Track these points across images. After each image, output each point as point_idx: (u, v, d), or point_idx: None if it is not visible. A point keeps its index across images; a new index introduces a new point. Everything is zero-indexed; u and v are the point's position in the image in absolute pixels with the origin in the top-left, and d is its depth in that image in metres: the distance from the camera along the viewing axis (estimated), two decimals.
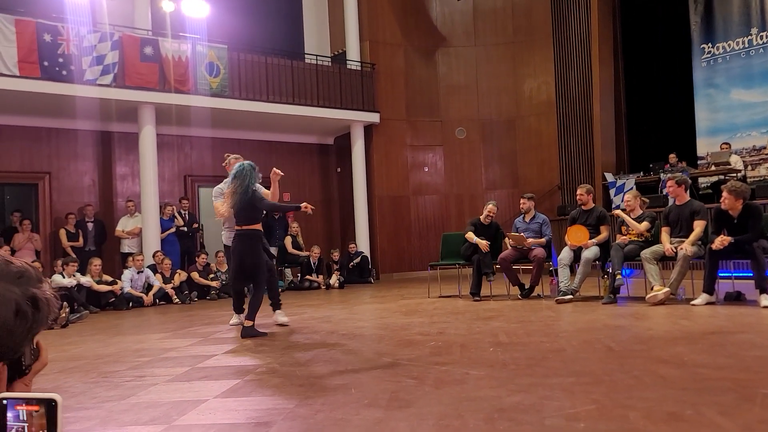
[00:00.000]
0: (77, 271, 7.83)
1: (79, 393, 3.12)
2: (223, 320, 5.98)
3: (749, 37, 10.91)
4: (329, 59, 12.51)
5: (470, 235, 7.13)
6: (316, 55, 12.01)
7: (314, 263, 10.77)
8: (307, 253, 10.83)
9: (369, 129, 12.41)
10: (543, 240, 6.92)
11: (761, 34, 10.75)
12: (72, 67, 8.68)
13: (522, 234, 6.93)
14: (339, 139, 13.09)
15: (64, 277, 7.49)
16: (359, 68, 12.27)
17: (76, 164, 10.31)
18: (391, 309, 6.49)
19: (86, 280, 7.90)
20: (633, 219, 6.33)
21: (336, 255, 11.33)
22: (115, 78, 9.14)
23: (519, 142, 13.07)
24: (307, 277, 10.64)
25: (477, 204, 12.70)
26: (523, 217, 7.20)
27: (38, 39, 8.44)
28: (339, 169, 13.12)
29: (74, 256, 8.59)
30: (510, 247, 7.03)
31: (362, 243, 11.96)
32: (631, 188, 9.83)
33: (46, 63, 8.52)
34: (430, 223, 12.96)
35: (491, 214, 7.28)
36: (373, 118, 12.31)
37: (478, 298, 6.85)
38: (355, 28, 12.45)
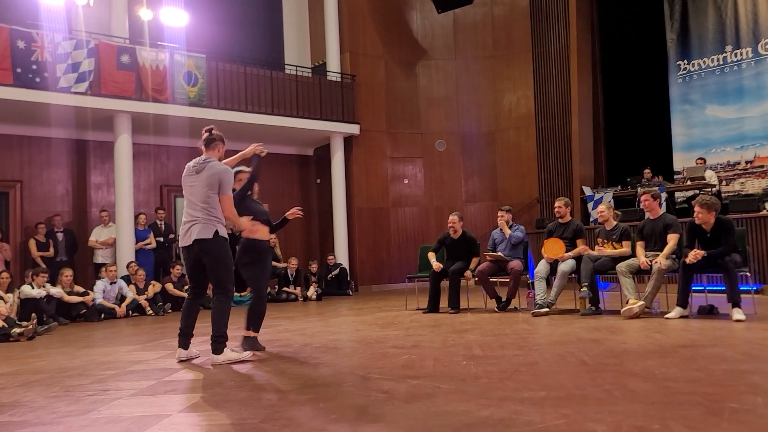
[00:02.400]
0: (47, 281, 7.66)
1: (39, 408, 3.02)
2: (196, 332, 5.79)
3: (724, 55, 11.14)
4: (309, 70, 12.49)
5: (431, 254, 7.25)
6: (296, 66, 11.99)
7: (292, 275, 10.67)
8: (284, 265, 10.73)
9: (349, 140, 12.39)
10: (514, 234, 6.99)
11: (735, 51, 10.98)
12: (46, 74, 8.57)
13: (500, 253, 6.97)
14: (319, 150, 13.05)
15: (33, 288, 7.31)
16: (339, 79, 12.27)
17: (49, 173, 10.13)
18: (367, 321, 6.43)
19: (56, 291, 7.72)
20: (607, 231, 6.39)
21: (314, 267, 11.25)
22: (91, 86, 9.02)
23: (498, 155, 13.14)
24: (285, 288, 10.54)
25: None
26: (501, 230, 7.21)
27: (11, 45, 8.31)
28: (318, 181, 13.07)
29: (44, 266, 8.41)
30: (488, 260, 7.04)
31: (341, 255, 11.89)
32: (609, 200, 9.93)
33: (19, 69, 8.39)
34: (409, 235, 12.94)
35: (452, 225, 7.21)
36: (353, 129, 12.30)
37: (454, 311, 6.84)
38: (336, 40, 12.46)
